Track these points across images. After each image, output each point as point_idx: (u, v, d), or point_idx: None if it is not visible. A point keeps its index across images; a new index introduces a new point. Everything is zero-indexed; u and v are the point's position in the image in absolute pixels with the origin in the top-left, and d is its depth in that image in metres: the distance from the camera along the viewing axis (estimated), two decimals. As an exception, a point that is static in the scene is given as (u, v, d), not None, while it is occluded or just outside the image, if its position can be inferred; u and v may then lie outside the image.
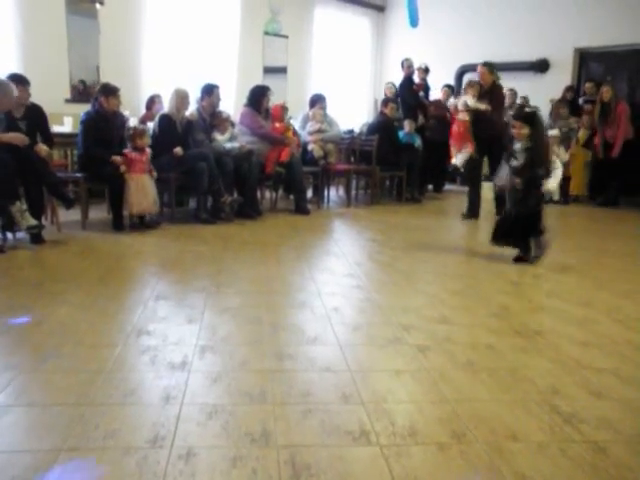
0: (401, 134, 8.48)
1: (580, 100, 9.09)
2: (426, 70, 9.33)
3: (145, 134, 5.70)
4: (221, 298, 3.63)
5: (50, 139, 5.42)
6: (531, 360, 2.84)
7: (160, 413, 2.20)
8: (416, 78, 9.12)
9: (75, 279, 3.96)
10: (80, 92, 7.52)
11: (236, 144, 6.44)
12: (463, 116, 6.98)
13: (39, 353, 2.71)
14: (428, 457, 1.98)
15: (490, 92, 6.74)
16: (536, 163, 4.44)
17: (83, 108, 6.01)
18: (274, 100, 7.21)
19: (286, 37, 9.98)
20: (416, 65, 9.10)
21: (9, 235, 4.96)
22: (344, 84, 10.98)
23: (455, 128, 7.28)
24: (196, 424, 2.13)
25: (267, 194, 7.63)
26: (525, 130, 4.43)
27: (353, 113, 10.75)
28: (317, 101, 7.90)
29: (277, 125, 6.99)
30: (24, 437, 2.01)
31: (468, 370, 2.68)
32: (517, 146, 4.51)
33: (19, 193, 4.79)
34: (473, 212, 6.97)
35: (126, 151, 5.54)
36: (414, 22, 9.15)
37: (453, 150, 7.44)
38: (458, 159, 7.19)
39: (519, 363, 2.79)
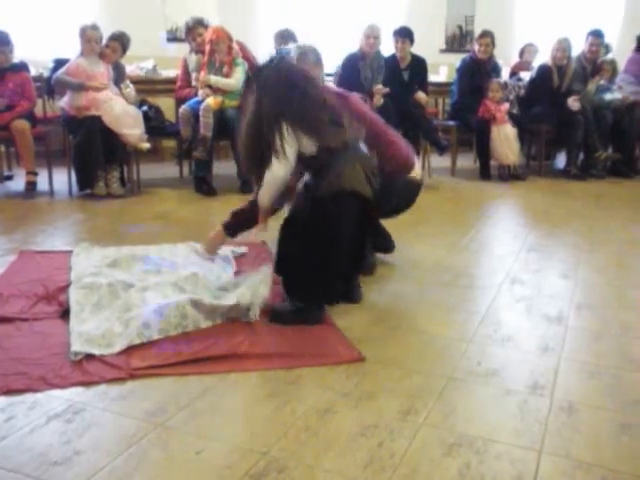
0: None
1: None
2: None
3: (500, 88, 5.63)
4: (595, 257, 3.45)
5: (426, 88, 5.70)
6: None
7: (539, 362, 2.20)
8: None
9: (447, 223, 4.15)
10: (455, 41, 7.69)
11: (618, 95, 5.92)
12: None
13: (422, 287, 2.92)
14: None
15: None
16: None
17: (459, 57, 6.16)
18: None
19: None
20: None
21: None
22: None
23: None
24: (577, 380, 2.08)
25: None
26: None
27: None
28: None
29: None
30: (418, 360, 2.20)
31: None
32: None
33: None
34: None
35: (486, 101, 5.54)
36: None
37: None
38: None
39: None
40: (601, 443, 1.74)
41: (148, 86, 5.50)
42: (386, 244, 3.25)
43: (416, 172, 2.90)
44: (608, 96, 5.94)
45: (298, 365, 2.11)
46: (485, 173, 5.62)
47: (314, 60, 3.46)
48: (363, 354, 2.18)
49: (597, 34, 6.22)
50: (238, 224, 2.93)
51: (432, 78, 6.58)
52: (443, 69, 6.90)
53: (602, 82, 6.05)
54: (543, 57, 6.34)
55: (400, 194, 2.85)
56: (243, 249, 3.33)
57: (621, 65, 6.49)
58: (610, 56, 6.53)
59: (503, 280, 3.04)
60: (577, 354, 2.28)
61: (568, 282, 3.02)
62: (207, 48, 4.82)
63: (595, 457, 1.66)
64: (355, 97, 3.01)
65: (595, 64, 6.17)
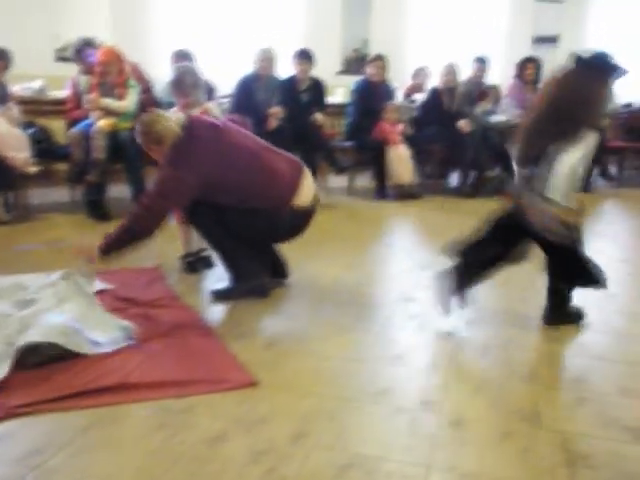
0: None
1: None
2: None
3: (395, 110, 5.81)
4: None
5: (324, 109, 5.79)
6: None
7: (428, 379, 2.25)
8: None
9: (343, 242, 4.20)
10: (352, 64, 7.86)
11: (503, 118, 6.25)
12: None
13: (317, 307, 2.93)
14: None
15: None
16: None
17: (356, 79, 6.31)
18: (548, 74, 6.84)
19: (560, 2, 9.34)
20: None
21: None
22: (626, 52, 10.01)
23: None
24: (464, 394, 2.15)
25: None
26: None
27: (634, 84, 9.77)
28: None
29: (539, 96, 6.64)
30: (312, 382, 2.20)
31: None
32: None
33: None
34: None
35: (381, 123, 5.70)
36: None
37: None
38: None
39: None
40: (485, 453, 1.80)
41: (36, 107, 5.28)
42: (281, 270, 3.25)
43: (306, 197, 2.92)
44: (494, 119, 6.25)
45: (190, 393, 2.07)
46: (381, 192, 5.75)
47: (191, 82, 3.46)
48: (256, 379, 2.16)
49: (481, 60, 6.60)
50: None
51: (329, 99, 6.70)
52: (340, 91, 7.03)
53: (488, 106, 6.36)
54: (435, 80, 6.60)
55: (286, 225, 2.91)
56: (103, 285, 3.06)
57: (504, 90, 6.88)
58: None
59: (397, 298, 3.11)
60: (466, 368, 2.36)
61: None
62: (97, 70, 4.70)
63: (479, 467, 1.73)
64: (229, 126, 3.00)
65: (480, 88, 6.48)
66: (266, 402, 2.04)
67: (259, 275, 2.99)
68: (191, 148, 2.73)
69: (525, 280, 3.45)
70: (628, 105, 8.21)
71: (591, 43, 9.62)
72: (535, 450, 1.82)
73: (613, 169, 7.41)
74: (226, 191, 2.78)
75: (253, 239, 2.94)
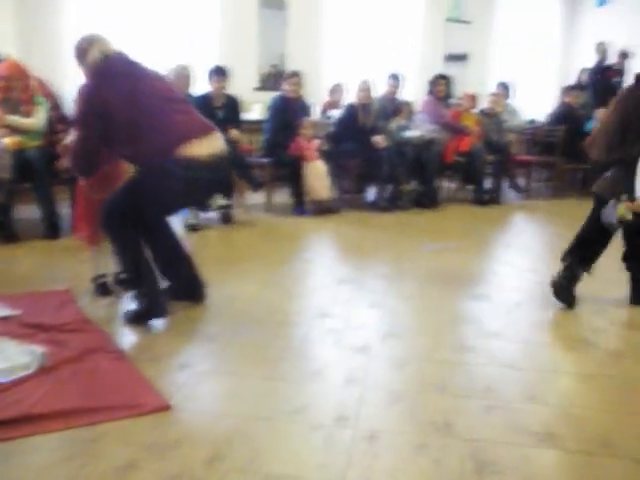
0: (591, 123, 7.96)
1: None
2: (625, 55, 8.68)
3: (311, 126, 5.88)
4: (402, 285, 3.66)
5: (240, 125, 5.77)
6: None
7: (344, 394, 2.27)
8: (613, 63, 8.56)
9: (261, 259, 4.19)
10: (269, 80, 7.89)
11: (416, 132, 6.42)
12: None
13: (234, 327, 2.91)
14: (625, 472, 1.86)
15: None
16: None
17: (271, 95, 6.33)
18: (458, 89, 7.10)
19: (468, 23, 9.70)
20: (614, 50, 8.52)
21: (201, 214, 5.34)
22: (528, 71, 10.49)
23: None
24: (379, 408, 2.18)
25: (446, 184, 7.50)
26: None
27: (537, 102, 10.24)
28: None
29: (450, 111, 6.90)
30: (227, 402, 2.18)
31: (668, 382, 2.48)
32: None
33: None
34: None
35: (298, 139, 5.75)
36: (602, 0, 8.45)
37: None
38: None
39: None
40: (399, 466, 1.83)
41: None
42: (199, 291, 3.20)
43: (199, 149, 2.78)
44: (408, 133, 6.41)
45: (102, 420, 2.01)
46: (300, 208, 5.78)
47: None
48: (170, 402, 2.12)
49: (395, 77, 6.78)
50: None
51: (246, 116, 6.69)
52: (257, 107, 7.05)
53: (402, 121, 6.52)
54: (351, 96, 6.70)
55: (181, 178, 2.76)
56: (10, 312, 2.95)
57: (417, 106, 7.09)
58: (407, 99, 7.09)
59: (314, 314, 3.13)
60: (381, 382, 2.39)
61: (376, 312, 3.18)
62: (1, 85, 4.51)
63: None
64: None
65: (395, 104, 6.64)
66: (180, 426, 2.00)
67: (159, 295, 2.96)
68: (105, 73, 2.81)
69: (436, 295, 3.55)
70: (532, 121, 8.61)
71: (497, 61, 10.06)
72: (446, 461, 1.87)
73: (521, 181, 7.72)
74: (119, 128, 2.75)
75: (161, 210, 3.00)
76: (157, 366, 2.44)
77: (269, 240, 4.82)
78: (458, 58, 9.65)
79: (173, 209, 3.21)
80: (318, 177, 5.67)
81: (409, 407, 2.19)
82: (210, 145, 2.84)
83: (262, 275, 3.79)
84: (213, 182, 3.03)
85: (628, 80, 8.74)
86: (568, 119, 7.78)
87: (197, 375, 2.38)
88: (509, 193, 7.50)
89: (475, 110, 7.28)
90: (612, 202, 3.09)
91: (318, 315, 3.11)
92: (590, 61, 8.76)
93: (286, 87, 6.11)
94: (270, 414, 2.10)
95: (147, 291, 2.91)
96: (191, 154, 2.75)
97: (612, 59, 8.74)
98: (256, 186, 5.44)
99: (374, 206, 6.22)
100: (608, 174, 3.23)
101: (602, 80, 8.49)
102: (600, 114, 7.61)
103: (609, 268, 3.92)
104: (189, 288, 3.16)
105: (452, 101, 7.25)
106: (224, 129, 5.47)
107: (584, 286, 3.66)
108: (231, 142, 5.44)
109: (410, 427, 2.06)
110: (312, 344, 2.76)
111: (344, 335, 2.84)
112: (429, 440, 1.98)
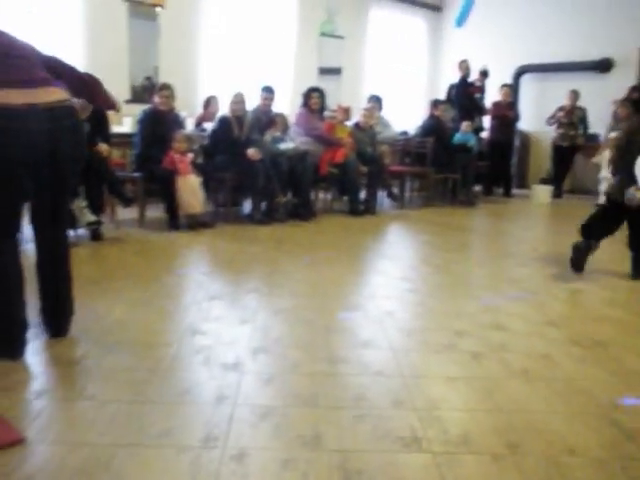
0: (458, 135, 8.39)
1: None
2: (485, 73, 9.24)
3: (184, 139, 5.80)
4: (274, 300, 3.65)
5: (109, 139, 5.57)
6: (590, 371, 2.76)
7: (213, 413, 2.22)
8: (474, 80, 9.09)
9: (132, 277, 4.05)
10: (140, 93, 7.69)
11: (291, 145, 6.47)
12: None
13: (99, 349, 2.78)
14: (482, 467, 1.94)
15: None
16: None
17: (142, 108, 6.17)
18: (333, 102, 7.24)
19: (341, 38, 9.96)
20: (475, 67, 9.07)
21: (70, 231, 5.10)
22: (399, 85, 10.90)
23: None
24: (249, 425, 2.15)
25: (321, 195, 7.62)
26: None
27: (408, 114, 10.66)
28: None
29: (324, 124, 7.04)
30: (86, 430, 2.06)
31: (523, 379, 2.62)
32: None
33: (79, 190, 4.92)
34: None
35: (170, 153, 5.65)
36: (461, 22, 8.98)
37: None
38: None
39: (577, 374, 2.72)
40: (266, 485, 1.81)
41: None
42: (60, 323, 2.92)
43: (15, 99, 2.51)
44: (282, 146, 6.45)
45: (-56, 461, 1.85)
46: (174, 223, 5.65)
47: None
48: (23, 434, 1.99)
49: (269, 90, 6.82)
50: None
51: (116, 129, 6.47)
52: (127, 120, 6.83)
53: (277, 133, 6.56)
54: (224, 109, 6.66)
55: None
56: None
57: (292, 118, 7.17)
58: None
59: (185, 332, 3.05)
60: (252, 399, 2.36)
61: (247, 327, 3.15)
62: None
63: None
64: None
65: (269, 116, 6.67)
66: (35, 459, 1.87)
67: (13, 335, 2.65)
68: None
69: (309, 307, 3.57)
70: (404, 133, 8.94)
71: (370, 75, 10.38)
72: (314, 474, 1.86)
73: (396, 191, 7.98)
74: None
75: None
76: (11, 396, 2.28)
77: (141, 257, 4.67)
78: (332, 72, 9.86)
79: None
80: (191, 191, 5.57)
81: (278, 422, 2.17)
82: (33, 96, 2.55)
83: (132, 293, 3.66)
84: (34, 135, 2.55)
85: (489, 97, 9.33)
86: (437, 131, 8.16)
87: (55, 403, 2.25)
88: (384, 203, 7.73)
89: (349, 122, 7.46)
90: (632, 189, 4.23)
91: (189, 333, 3.03)
92: (456, 77, 9.23)
93: (157, 100, 5.99)
94: (133, 440, 2.01)
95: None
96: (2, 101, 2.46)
97: (474, 76, 9.27)
98: (127, 201, 5.26)
99: (250, 219, 6.20)
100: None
101: (465, 95, 8.97)
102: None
103: (482, 273, 4.13)
104: (46, 319, 2.90)
105: (326, 114, 7.40)
106: (91, 143, 5.30)
107: (449, 289, 3.81)
108: (99, 157, 5.27)
109: (279, 442, 2.04)
110: (182, 363, 2.69)
111: (215, 352, 2.79)
112: (297, 454, 1.97)
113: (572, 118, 9.06)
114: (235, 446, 2.01)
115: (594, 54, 9.54)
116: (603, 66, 9.51)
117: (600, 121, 8.84)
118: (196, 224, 5.68)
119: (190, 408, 2.26)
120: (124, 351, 2.77)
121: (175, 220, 5.67)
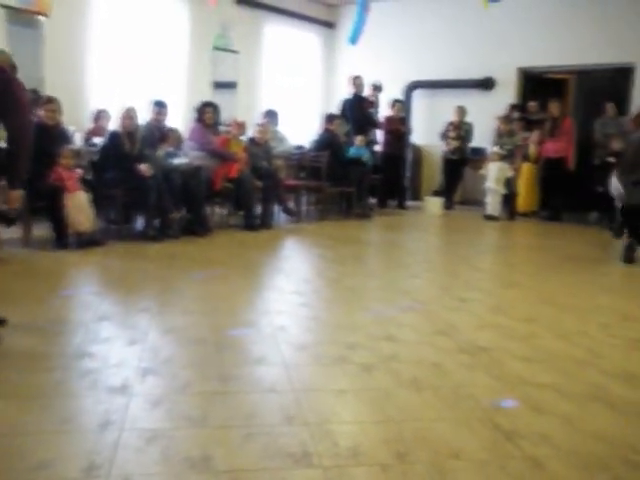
0: (352, 149, 8.55)
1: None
2: (378, 88, 9.52)
3: (71, 154, 5.60)
4: (165, 318, 3.57)
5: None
6: (475, 377, 2.86)
7: (98, 440, 2.13)
8: (368, 95, 9.34)
9: (15, 300, 3.83)
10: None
11: (184, 160, 6.37)
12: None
13: (-28, 379, 2.61)
14: (370, 478, 1.97)
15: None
16: None
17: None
18: (228, 116, 7.21)
19: (236, 52, 9.94)
20: (368, 82, 9.32)
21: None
22: (294, 100, 11.00)
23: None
24: (135, 450, 2.08)
25: (217, 210, 7.54)
26: None
27: (303, 129, 10.77)
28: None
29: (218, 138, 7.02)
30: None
31: (413, 389, 2.69)
32: None
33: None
34: None
35: (58, 169, 5.43)
36: (354, 39, 9.20)
37: None
38: None
39: (464, 380, 2.82)
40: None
41: None
42: None
43: None
44: (176, 161, 6.34)
45: None
46: (61, 242, 5.40)
47: None
48: None
49: (160, 104, 6.70)
50: None
51: (-2, 144, 6.15)
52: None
53: (170, 148, 6.45)
54: (115, 123, 6.47)
55: None
56: None
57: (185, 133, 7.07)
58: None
59: (71, 355, 2.92)
60: (139, 422, 2.29)
61: (136, 348, 3.05)
62: None
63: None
64: None
65: (162, 131, 6.55)
66: None
67: None
68: None
69: (200, 325, 3.52)
70: (300, 147, 9.02)
71: (265, 89, 10.41)
72: (202, 497, 1.83)
73: (292, 205, 8.02)
74: None
75: None
76: None
77: (25, 278, 4.43)
78: (227, 86, 9.81)
79: None
80: (80, 208, 5.36)
81: (166, 445, 2.11)
82: None
83: (14, 317, 3.45)
84: None
85: (382, 111, 9.59)
86: (331, 145, 8.28)
87: None
88: (280, 217, 7.74)
89: (243, 137, 7.44)
90: None
91: (75, 356, 2.90)
92: (349, 92, 9.43)
93: (42, 113, 5.73)
94: (5, 476, 1.89)
95: None
96: None
97: (368, 91, 9.51)
98: (9, 221, 4.98)
99: (143, 236, 6.03)
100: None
101: (359, 110, 9.17)
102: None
103: (375, 285, 4.20)
104: None
105: (221, 128, 7.35)
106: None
107: (342, 302, 3.86)
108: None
109: (166, 467, 1.98)
110: (67, 388, 2.57)
111: (102, 376, 2.69)
112: (185, 477, 1.92)
113: (460, 132, 9.46)
114: (120, 473, 1.93)
115: (479, 73, 10.02)
116: (486, 84, 10.00)
117: (484, 135, 9.28)
118: (85, 242, 5.46)
119: (72, 436, 2.16)
120: (3, 380, 2.62)
121: (63, 239, 5.42)
